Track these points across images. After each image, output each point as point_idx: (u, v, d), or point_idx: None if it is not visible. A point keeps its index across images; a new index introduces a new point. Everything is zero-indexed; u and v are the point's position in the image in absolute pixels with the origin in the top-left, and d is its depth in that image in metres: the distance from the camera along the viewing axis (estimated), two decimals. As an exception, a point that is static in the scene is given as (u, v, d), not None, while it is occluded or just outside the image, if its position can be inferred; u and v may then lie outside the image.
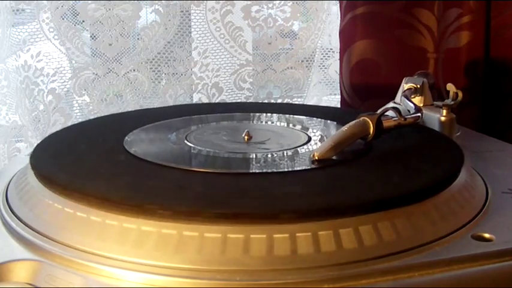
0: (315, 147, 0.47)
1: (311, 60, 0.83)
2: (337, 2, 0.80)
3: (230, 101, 0.81)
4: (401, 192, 0.37)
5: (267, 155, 0.45)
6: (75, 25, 0.72)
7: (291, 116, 0.58)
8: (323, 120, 0.56)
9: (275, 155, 0.45)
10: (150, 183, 0.39)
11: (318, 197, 0.37)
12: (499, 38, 0.75)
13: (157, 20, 0.75)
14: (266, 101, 0.82)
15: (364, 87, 0.78)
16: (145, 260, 0.33)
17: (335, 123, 0.55)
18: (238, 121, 0.57)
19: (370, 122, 0.45)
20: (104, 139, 0.49)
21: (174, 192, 0.38)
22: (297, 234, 0.33)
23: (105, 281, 0.32)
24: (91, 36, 0.74)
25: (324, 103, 0.86)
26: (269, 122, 0.57)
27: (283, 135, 0.52)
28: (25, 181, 0.43)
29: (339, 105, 0.82)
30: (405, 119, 0.47)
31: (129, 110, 0.75)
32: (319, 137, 0.51)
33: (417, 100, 0.58)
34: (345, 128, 0.45)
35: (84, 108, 0.77)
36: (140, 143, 0.48)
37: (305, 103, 0.84)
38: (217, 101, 0.80)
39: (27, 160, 0.45)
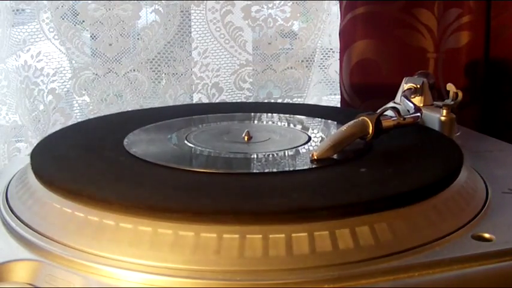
0: (315, 147, 0.47)
1: (311, 60, 0.83)
2: (337, 2, 0.80)
3: (230, 101, 0.81)
4: (401, 192, 0.37)
5: (267, 155, 0.45)
6: (75, 25, 0.72)
7: (291, 116, 0.58)
8: (323, 120, 0.56)
9: (275, 155, 0.45)
10: (149, 184, 0.39)
11: (317, 197, 0.37)
12: (498, 38, 0.75)
13: (157, 20, 0.75)
14: (266, 101, 0.82)
15: (364, 87, 0.78)
16: (145, 260, 0.33)
17: (335, 123, 0.55)
18: (238, 121, 0.57)
19: (369, 122, 0.45)
20: (103, 139, 0.49)
21: (173, 192, 0.38)
22: (297, 235, 0.33)
23: (105, 281, 0.32)
24: (91, 36, 0.74)
25: (324, 103, 0.86)
26: (269, 122, 0.57)
27: (284, 135, 0.52)
28: (25, 181, 0.43)
29: (339, 105, 0.82)
30: (404, 118, 0.47)
31: (129, 110, 0.75)
32: (319, 137, 0.51)
33: (417, 100, 0.58)
34: (344, 127, 0.45)
35: (84, 108, 0.77)
36: (140, 143, 0.48)
37: (305, 103, 0.84)
38: (217, 101, 0.80)
39: (27, 160, 0.45)
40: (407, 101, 0.55)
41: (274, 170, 0.42)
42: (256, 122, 0.58)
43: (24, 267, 0.33)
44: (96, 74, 0.75)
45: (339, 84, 0.81)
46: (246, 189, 0.38)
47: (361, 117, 0.46)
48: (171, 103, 0.78)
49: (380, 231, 0.34)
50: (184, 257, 0.33)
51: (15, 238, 0.37)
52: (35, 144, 0.48)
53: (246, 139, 0.49)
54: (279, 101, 0.83)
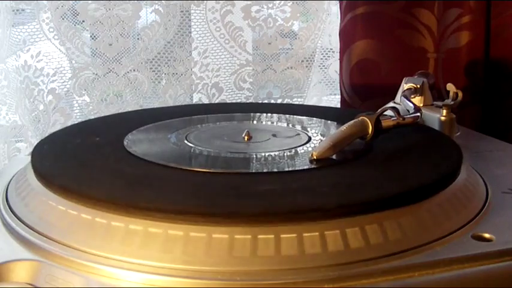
0: (314, 147, 0.47)
1: (311, 60, 0.83)
2: (337, 2, 0.80)
3: (230, 101, 0.81)
4: (401, 192, 0.37)
5: (267, 155, 0.45)
6: (75, 25, 0.72)
7: (291, 116, 0.58)
8: (323, 120, 0.56)
9: (275, 155, 0.45)
10: (150, 183, 0.39)
11: (318, 197, 0.37)
12: (499, 38, 0.75)
13: (157, 20, 0.75)
14: (266, 101, 0.82)
15: (364, 87, 0.78)
16: (145, 260, 0.33)
17: (335, 123, 0.55)
18: (238, 121, 0.57)
19: (369, 122, 0.45)
20: (104, 139, 0.49)
21: (173, 192, 0.38)
22: (297, 235, 0.33)
23: (105, 281, 0.32)
24: (91, 36, 0.74)
25: (324, 103, 0.86)
26: (269, 122, 0.57)
27: (283, 135, 0.51)
28: (25, 181, 0.43)
29: (339, 105, 0.82)
30: (404, 118, 0.47)
31: (129, 110, 0.75)
32: (319, 137, 0.51)
33: (417, 100, 0.58)
34: (343, 127, 0.45)
35: (84, 108, 0.77)
36: (140, 143, 0.48)
37: (305, 103, 0.84)
38: (217, 101, 0.80)
39: (27, 160, 0.45)
40: (407, 101, 0.55)
41: (274, 170, 0.42)
42: (256, 122, 0.58)
43: (24, 267, 0.33)
44: (96, 74, 0.75)
45: (339, 84, 0.81)
46: (246, 190, 0.38)
47: (361, 117, 0.46)
48: (171, 103, 0.78)
49: (380, 232, 0.34)
50: (185, 257, 0.32)
51: (15, 238, 0.37)
52: (35, 144, 0.48)
53: (245, 139, 0.49)
54: (279, 101, 0.83)
